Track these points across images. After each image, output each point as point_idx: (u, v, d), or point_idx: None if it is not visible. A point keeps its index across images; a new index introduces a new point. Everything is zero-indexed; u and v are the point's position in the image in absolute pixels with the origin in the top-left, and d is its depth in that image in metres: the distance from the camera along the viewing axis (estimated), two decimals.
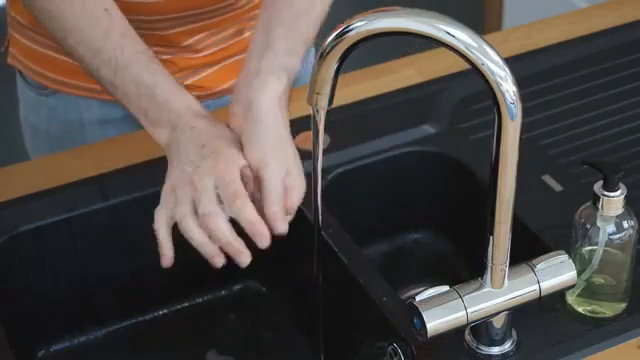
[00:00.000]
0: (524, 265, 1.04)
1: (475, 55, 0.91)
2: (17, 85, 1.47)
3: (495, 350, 1.07)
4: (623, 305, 1.11)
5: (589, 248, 1.08)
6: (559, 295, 1.10)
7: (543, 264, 1.04)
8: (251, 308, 1.34)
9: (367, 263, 1.19)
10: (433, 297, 1.01)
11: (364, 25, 0.92)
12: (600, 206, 1.06)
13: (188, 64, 1.38)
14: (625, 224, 1.07)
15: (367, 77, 1.46)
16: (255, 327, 1.33)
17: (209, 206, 1.07)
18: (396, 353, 1.10)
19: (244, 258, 1.07)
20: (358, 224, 1.32)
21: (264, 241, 1.07)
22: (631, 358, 1.08)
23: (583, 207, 1.08)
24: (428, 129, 1.35)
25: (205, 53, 1.38)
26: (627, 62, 1.46)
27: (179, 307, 1.34)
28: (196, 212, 1.08)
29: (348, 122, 1.35)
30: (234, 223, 1.08)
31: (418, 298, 1.01)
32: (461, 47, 0.91)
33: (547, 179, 1.27)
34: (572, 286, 1.06)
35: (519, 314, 1.07)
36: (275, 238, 1.08)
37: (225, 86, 1.41)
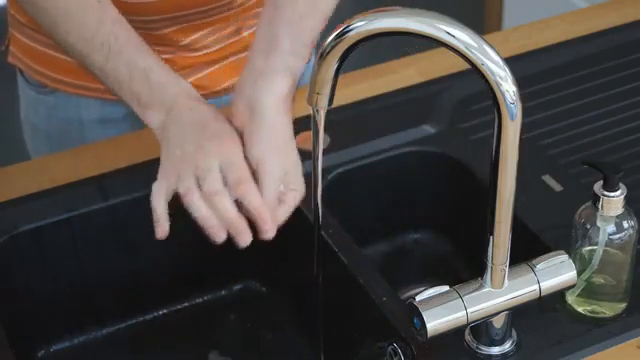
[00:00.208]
0: (524, 265, 1.04)
1: (475, 55, 0.91)
2: (17, 84, 1.48)
3: (495, 350, 1.07)
4: (623, 305, 1.11)
5: (589, 248, 1.08)
6: (559, 295, 1.10)
7: (543, 264, 1.04)
8: (251, 308, 1.34)
9: (367, 263, 1.19)
10: (433, 297, 1.01)
11: (364, 25, 0.92)
12: (600, 206, 1.06)
13: (187, 63, 1.38)
14: (625, 224, 1.07)
15: (367, 77, 1.46)
16: (255, 327, 1.33)
17: (215, 184, 1.07)
18: (396, 353, 1.10)
19: (245, 237, 1.08)
20: (358, 224, 1.32)
21: (266, 227, 1.08)
22: (631, 358, 1.08)
23: (583, 207, 1.08)
24: (428, 129, 1.35)
25: (204, 52, 1.38)
26: (627, 62, 1.46)
27: (179, 307, 1.34)
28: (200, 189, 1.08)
29: (348, 122, 1.35)
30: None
31: (418, 298, 1.01)
32: (461, 47, 0.91)
33: (547, 179, 1.27)
34: (572, 286, 1.06)
35: (519, 314, 1.07)
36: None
37: (225, 85, 1.41)
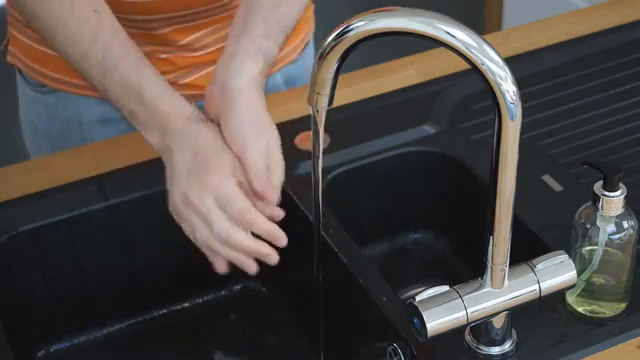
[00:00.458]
0: (524, 265, 1.04)
1: (475, 55, 0.91)
2: (17, 83, 1.48)
3: (495, 350, 1.07)
4: (623, 305, 1.11)
5: (589, 248, 1.08)
6: (559, 295, 1.10)
7: (543, 264, 1.04)
8: (251, 308, 1.34)
9: (367, 263, 1.19)
10: (433, 297, 1.01)
11: (364, 25, 0.92)
12: (600, 206, 1.06)
13: (186, 63, 1.38)
14: (625, 224, 1.07)
15: (367, 77, 1.46)
16: (255, 327, 1.33)
17: (221, 224, 1.08)
18: (396, 353, 1.10)
19: (273, 258, 1.09)
20: (358, 224, 1.32)
21: (282, 242, 1.09)
22: (631, 358, 1.08)
23: (583, 207, 1.08)
24: (428, 129, 1.35)
25: (203, 52, 1.38)
26: (627, 62, 1.46)
27: (179, 307, 1.34)
28: None
29: (348, 122, 1.35)
30: None
31: (418, 298, 1.01)
32: (461, 47, 0.91)
33: (547, 179, 1.27)
34: (572, 286, 1.06)
35: (519, 314, 1.07)
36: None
37: None
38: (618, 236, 1.07)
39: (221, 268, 1.11)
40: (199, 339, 1.31)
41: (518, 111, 0.93)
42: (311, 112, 0.99)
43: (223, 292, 1.35)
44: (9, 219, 1.23)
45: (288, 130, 1.33)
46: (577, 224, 1.08)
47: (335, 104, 0.99)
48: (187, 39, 1.36)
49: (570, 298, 1.11)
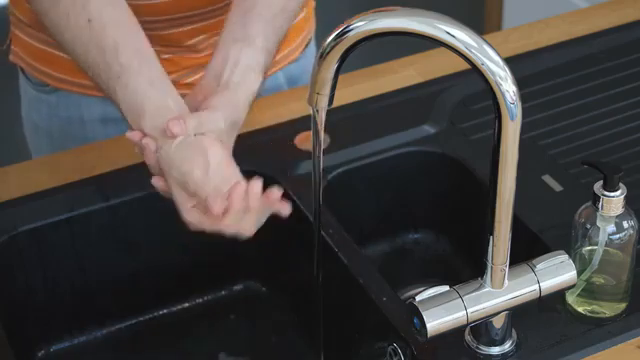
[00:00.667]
0: (524, 265, 1.04)
1: (475, 55, 0.91)
2: (19, 83, 1.48)
3: (495, 350, 1.07)
4: (623, 305, 1.11)
5: (589, 248, 1.08)
6: (559, 295, 1.10)
7: (543, 264, 1.04)
8: (251, 308, 1.34)
9: (367, 263, 1.19)
10: (433, 297, 1.01)
11: (364, 25, 0.92)
12: (600, 206, 1.06)
13: (190, 63, 1.38)
14: (625, 224, 1.07)
15: (367, 77, 1.46)
16: (255, 327, 1.33)
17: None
18: (396, 353, 1.10)
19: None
20: (358, 224, 1.32)
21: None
22: (631, 358, 1.08)
23: (583, 207, 1.08)
24: (428, 129, 1.35)
25: (206, 53, 1.38)
26: (627, 62, 1.46)
27: (179, 307, 1.34)
28: None
29: (348, 122, 1.35)
30: None
31: (418, 298, 1.01)
32: (461, 47, 0.91)
33: (547, 179, 1.27)
34: (572, 286, 1.06)
35: (519, 314, 1.07)
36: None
37: None
38: (618, 236, 1.07)
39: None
40: (199, 339, 1.31)
41: (518, 111, 0.93)
42: (311, 112, 0.99)
43: (223, 292, 1.35)
44: (9, 219, 1.23)
45: (288, 130, 1.34)
46: (577, 224, 1.08)
47: (335, 104, 0.99)
48: (192, 40, 1.36)
49: (570, 298, 1.11)
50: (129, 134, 1.13)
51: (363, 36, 0.93)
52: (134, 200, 1.26)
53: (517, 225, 1.01)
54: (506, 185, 0.97)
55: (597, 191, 1.06)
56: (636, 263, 1.10)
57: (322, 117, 0.99)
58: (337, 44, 0.94)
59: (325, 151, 1.04)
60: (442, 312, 1.01)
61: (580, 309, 1.11)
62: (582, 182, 1.24)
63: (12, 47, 1.44)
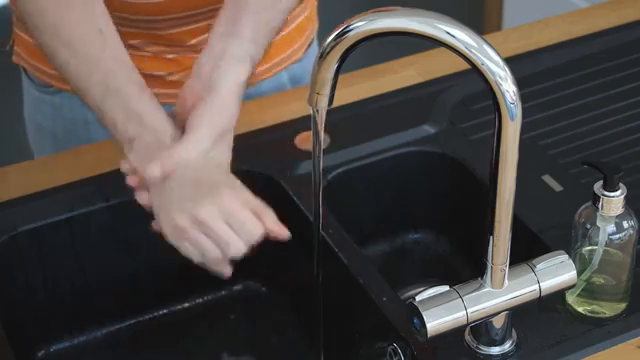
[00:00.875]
0: (524, 265, 1.04)
1: (475, 55, 0.91)
2: (22, 84, 1.47)
3: (495, 350, 1.07)
4: (623, 305, 1.11)
5: (589, 248, 1.08)
6: (559, 295, 1.10)
7: (543, 264, 1.04)
8: (251, 308, 1.34)
9: (367, 263, 1.19)
10: (433, 297, 1.01)
11: (364, 25, 0.92)
12: (600, 206, 1.06)
13: (191, 63, 1.38)
14: (625, 224, 1.07)
15: (367, 77, 1.46)
16: (255, 327, 1.33)
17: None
18: (396, 353, 1.10)
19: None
20: (358, 224, 1.32)
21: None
22: (631, 358, 1.08)
23: (583, 207, 1.08)
24: (428, 129, 1.35)
25: None
26: (627, 62, 1.46)
27: (179, 307, 1.34)
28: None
29: (348, 122, 1.35)
30: None
31: (418, 298, 1.01)
32: (461, 47, 0.91)
33: (547, 179, 1.27)
34: (572, 286, 1.06)
35: (519, 314, 1.07)
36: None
37: None
38: (618, 236, 1.07)
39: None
40: (199, 339, 1.31)
41: (518, 111, 0.93)
42: (311, 112, 0.99)
43: (223, 292, 1.35)
44: (9, 219, 1.23)
45: (288, 130, 1.34)
46: (577, 224, 1.08)
47: (335, 104, 0.99)
48: (195, 40, 1.36)
49: (570, 298, 1.11)
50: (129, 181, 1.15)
51: (363, 36, 0.93)
52: (134, 200, 1.25)
53: (517, 225, 1.01)
54: (506, 185, 0.97)
55: (597, 191, 1.06)
56: (636, 263, 1.10)
57: (322, 117, 1.00)
58: (337, 44, 0.94)
59: (325, 151, 1.04)
60: (442, 312, 1.01)
61: (580, 309, 1.11)
62: (582, 182, 1.24)
63: (15, 48, 1.44)
